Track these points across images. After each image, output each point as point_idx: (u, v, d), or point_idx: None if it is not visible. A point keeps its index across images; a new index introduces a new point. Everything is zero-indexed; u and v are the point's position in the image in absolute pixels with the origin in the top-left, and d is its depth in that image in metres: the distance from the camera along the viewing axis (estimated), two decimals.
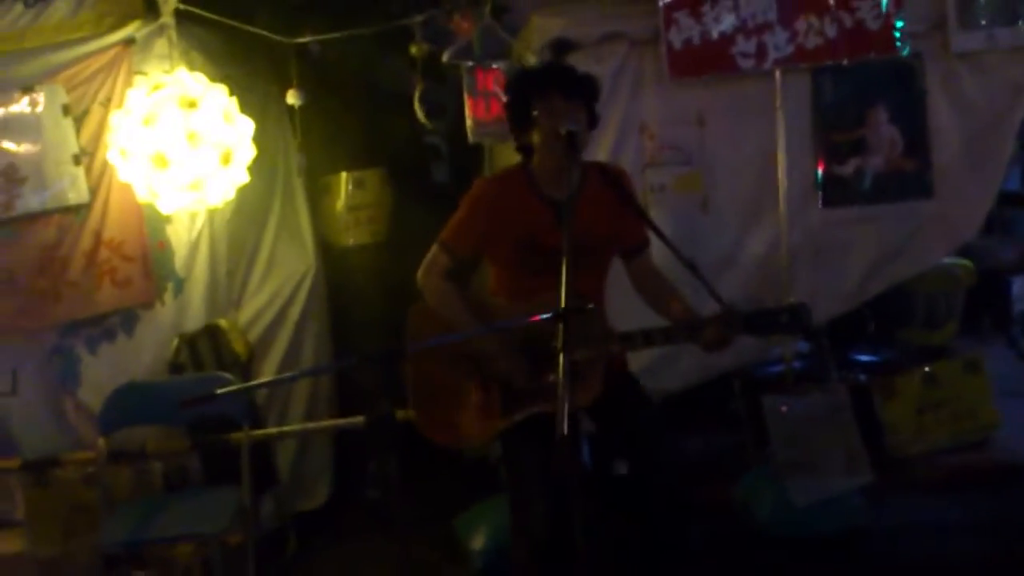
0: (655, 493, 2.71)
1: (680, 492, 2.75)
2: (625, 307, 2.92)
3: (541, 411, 2.61)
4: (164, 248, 3.97)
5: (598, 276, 2.84)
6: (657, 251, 2.84)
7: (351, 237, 4.37)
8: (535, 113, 2.68)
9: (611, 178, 2.79)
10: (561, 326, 2.12)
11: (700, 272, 2.60)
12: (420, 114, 3.82)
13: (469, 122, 3.63)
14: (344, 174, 4.29)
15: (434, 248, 2.83)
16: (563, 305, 2.16)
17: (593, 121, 2.78)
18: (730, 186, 3.84)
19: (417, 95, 3.80)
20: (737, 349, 3.86)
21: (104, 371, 3.89)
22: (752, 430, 4.06)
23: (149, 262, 3.92)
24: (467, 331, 2.73)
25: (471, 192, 2.85)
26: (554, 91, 2.68)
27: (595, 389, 2.60)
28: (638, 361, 3.20)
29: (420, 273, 2.83)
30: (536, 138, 2.72)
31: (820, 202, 3.86)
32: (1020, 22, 3.66)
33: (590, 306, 2.38)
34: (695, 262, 2.62)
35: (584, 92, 2.74)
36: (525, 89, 2.75)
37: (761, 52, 3.66)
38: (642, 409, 2.86)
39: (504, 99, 2.87)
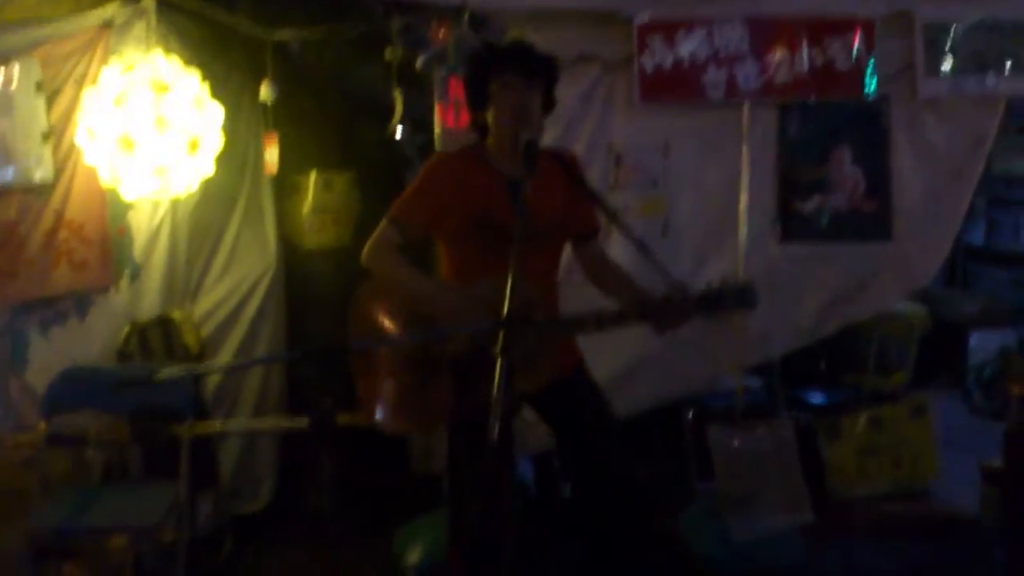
0: (615, 494, 2.74)
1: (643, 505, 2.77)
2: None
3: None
4: (124, 234, 3.95)
5: (550, 260, 2.84)
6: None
7: (315, 239, 4.36)
8: (492, 89, 2.69)
9: (564, 163, 2.80)
10: (502, 332, 2.12)
11: (650, 252, 2.63)
12: (393, 120, 3.83)
13: (438, 130, 3.64)
14: (313, 174, 4.28)
15: (382, 224, 2.79)
16: (506, 311, 2.15)
17: (549, 103, 2.79)
18: (692, 213, 3.86)
19: (393, 102, 3.81)
20: (686, 379, 4.00)
21: (53, 354, 3.83)
22: (698, 461, 4.07)
23: (108, 247, 3.90)
24: (424, 289, 2.69)
25: (425, 166, 2.84)
26: (512, 69, 2.69)
27: (544, 375, 2.59)
28: None
29: (366, 251, 2.79)
30: (491, 116, 2.72)
31: (779, 236, 3.88)
32: (987, 72, 3.72)
33: (536, 303, 2.40)
34: (644, 243, 2.64)
35: (543, 72, 2.74)
36: (484, 66, 2.76)
37: (731, 83, 3.71)
38: (599, 414, 2.85)
39: (465, 77, 2.87)
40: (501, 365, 2.08)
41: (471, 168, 2.77)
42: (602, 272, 2.91)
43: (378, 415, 2.80)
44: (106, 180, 3.63)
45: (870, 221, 3.87)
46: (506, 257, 2.21)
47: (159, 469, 3.67)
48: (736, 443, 3.95)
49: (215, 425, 3.97)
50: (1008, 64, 3.69)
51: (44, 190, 3.77)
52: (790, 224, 3.88)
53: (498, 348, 2.10)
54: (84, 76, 3.74)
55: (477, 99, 2.77)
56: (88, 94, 3.59)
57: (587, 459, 2.86)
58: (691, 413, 4.16)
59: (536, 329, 2.55)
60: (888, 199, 3.85)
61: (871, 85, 3.72)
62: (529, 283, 2.42)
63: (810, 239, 3.89)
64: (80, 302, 3.92)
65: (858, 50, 3.69)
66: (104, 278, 3.92)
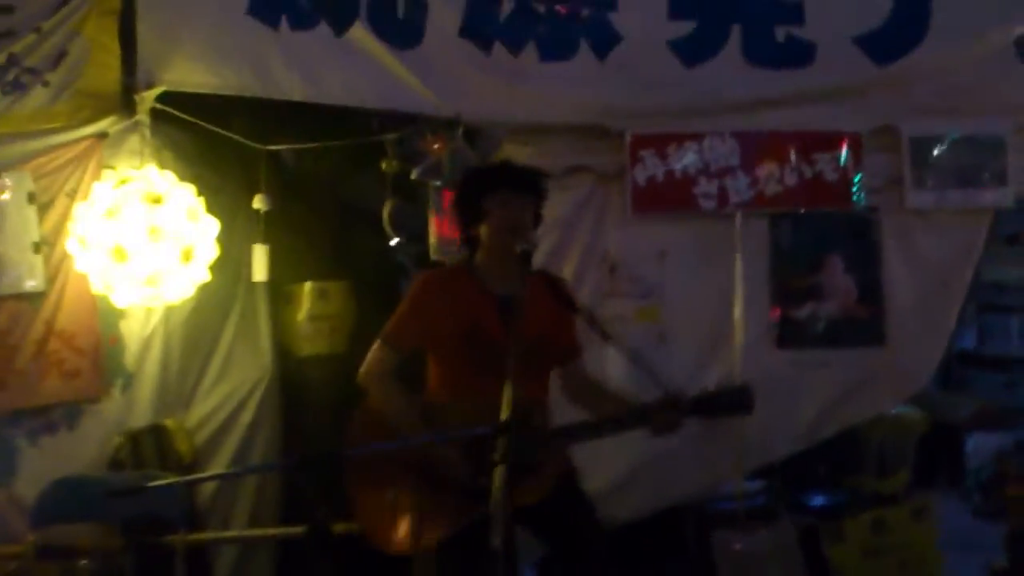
0: None
1: None
2: None
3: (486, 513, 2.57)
4: (116, 344, 3.93)
5: (542, 378, 2.87)
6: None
7: (311, 347, 4.35)
8: (486, 206, 2.76)
9: (552, 284, 2.85)
10: (502, 439, 2.16)
11: (642, 359, 2.69)
12: (388, 230, 3.86)
13: (433, 239, 3.69)
14: (308, 284, 4.30)
15: (376, 344, 2.84)
16: (504, 417, 2.20)
17: (538, 219, 2.87)
18: (688, 321, 3.89)
19: (387, 212, 3.85)
20: (687, 484, 3.97)
21: (43, 464, 3.78)
22: (701, 565, 4.04)
23: (99, 356, 3.87)
24: (410, 433, 2.72)
25: (413, 286, 2.92)
26: (509, 186, 2.78)
27: (545, 486, 2.60)
28: (589, 488, 3.15)
29: (363, 371, 2.84)
30: (484, 231, 2.78)
31: (775, 343, 3.90)
32: (970, 185, 3.78)
33: (534, 411, 2.40)
34: (638, 352, 2.72)
35: (534, 189, 2.83)
36: (477, 183, 2.85)
37: (722, 195, 3.77)
38: (588, 523, 2.85)
39: (456, 195, 2.97)
40: (501, 472, 2.12)
41: (460, 285, 2.82)
42: (584, 391, 2.95)
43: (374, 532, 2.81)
44: (98, 288, 3.62)
45: (864, 327, 3.89)
46: (495, 374, 2.27)
47: None
48: (739, 546, 3.96)
49: (209, 534, 3.90)
50: (987, 177, 3.76)
51: (35, 299, 3.76)
52: (785, 331, 3.90)
53: (498, 455, 2.14)
54: (77, 188, 3.75)
55: (470, 214, 2.83)
56: (80, 207, 3.60)
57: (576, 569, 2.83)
58: (691, 517, 4.13)
59: (535, 436, 2.56)
60: (881, 306, 3.89)
61: (859, 196, 3.78)
62: (523, 396, 2.41)
63: (805, 345, 3.91)
64: (71, 412, 3.88)
65: (846, 163, 3.77)
66: (95, 388, 3.88)
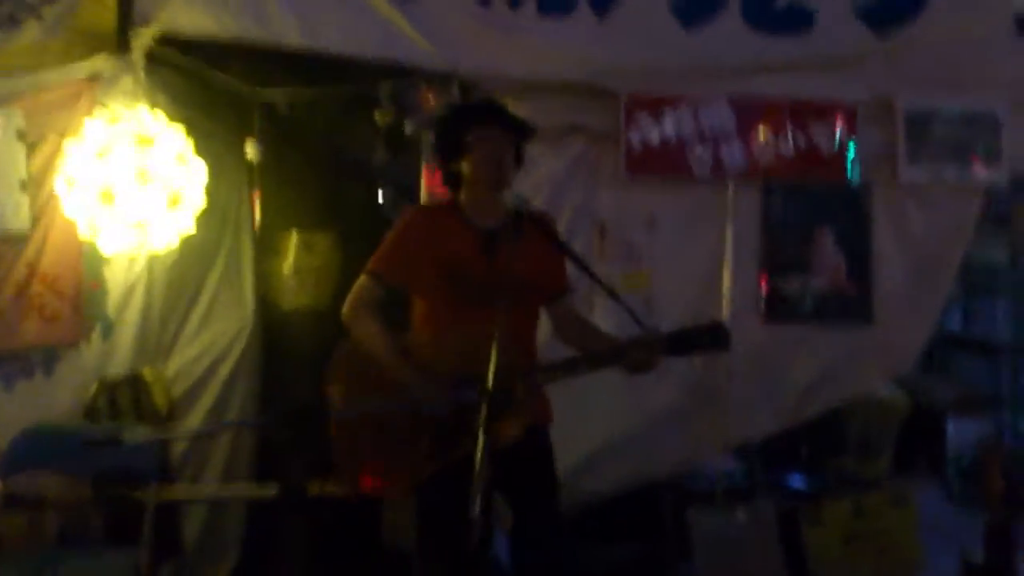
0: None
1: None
2: None
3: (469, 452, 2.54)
4: (98, 288, 3.88)
5: (526, 316, 2.84)
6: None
7: (294, 300, 4.32)
8: (467, 140, 2.74)
9: (537, 222, 2.82)
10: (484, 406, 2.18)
11: (619, 297, 2.65)
12: (380, 182, 3.84)
13: (425, 194, 3.66)
14: (294, 234, 4.26)
15: (361, 278, 2.80)
16: (489, 384, 2.21)
17: (519, 159, 2.86)
18: (676, 289, 3.85)
19: (379, 164, 3.82)
20: (668, 459, 3.95)
21: (17, 410, 3.73)
22: (677, 542, 4.02)
23: (80, 301, 3.82)
24: (392, 369, 2.69)
25: (400, 219, 2.88)
26: (490, 121, 2.76)
27: (519, 427, 2.58)
28: (568, 460, 3.17)
29: (346, 307, 2.80)
30: (466, 166, 2.77)
31: (762, 317, 3.87)
32: (964, 161, 3.78)
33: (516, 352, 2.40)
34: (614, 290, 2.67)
35: (517, 127, 2.82)
36: (459, 117, 2.83)
37: (716, 161, 3.75)
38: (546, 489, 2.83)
39: (436, 134, 2.95)
40: (483, 441, 2.13)
41: (445, 222, 2.82)
42: (572, 328, 2.94)
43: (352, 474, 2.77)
44: (84, 233, 3.57)
45: (852, 304, 3.87)
46: (478, 311, 2.29)
47: (120, 534, 3.54)
48: (715, 525, 3.94)
49: (181, 491, 3.86)
50: (982, 155, 3.76)
51: (19, 240, 3.72)
52: (773, 304, 3.88)
53: (480, 422, 2.15)
54: (67, 128, 3.70)
55: (451, 149, 2.82)
56: (70, 145, 3.56)
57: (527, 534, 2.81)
58: (668, 494, 4.11)
59: (512, 373, 2.52)
60: (869, 283, 3.86)
61: (854, 170, 3.77)
62: (509, 347, 2.40)
63: (792, 320, 3.88)
64: (48, 357, 3.83)
65: (840, 134, 3.76)
66: (75, 333, 3.83)
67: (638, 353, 2.62)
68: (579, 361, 2.70)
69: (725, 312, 3.80)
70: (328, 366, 2.84)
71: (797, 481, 4.48)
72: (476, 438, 2.20)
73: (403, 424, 2.68)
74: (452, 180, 2.85)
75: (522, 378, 2.59)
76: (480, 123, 2.76)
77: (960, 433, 5.46)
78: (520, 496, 2.75)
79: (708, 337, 2.67)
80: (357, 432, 2.75)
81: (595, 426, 3.73)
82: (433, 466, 2.65)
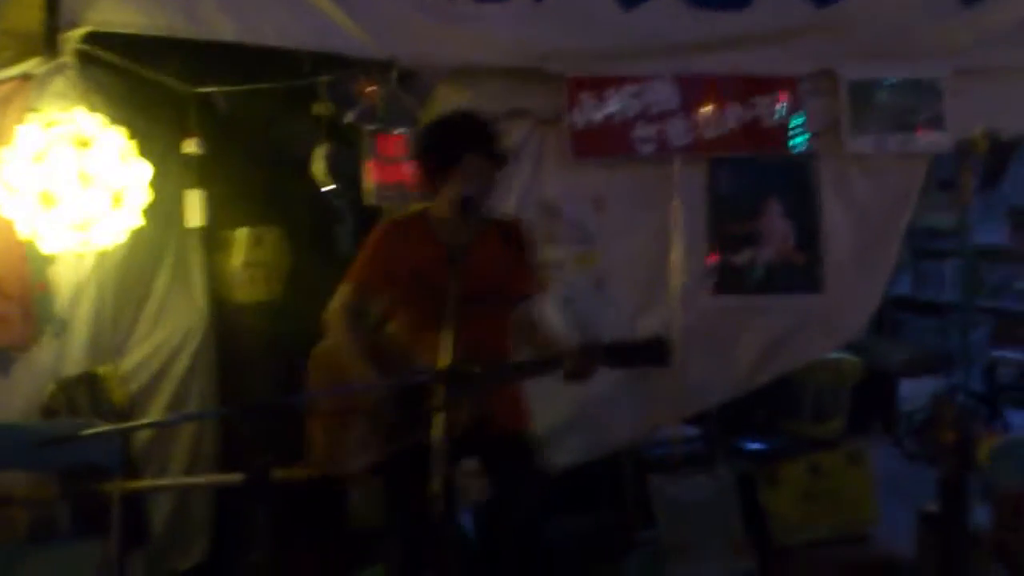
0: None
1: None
2: None
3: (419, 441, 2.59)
4: (44, 290, 3.83)
5: (492, 325, 2.89)
6: None
7: (246, 294, 4.31)
8: (464, 161, 2.80)
9: (506, 232, 2.92)
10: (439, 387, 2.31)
11: (572, 308, 2.88)
12: (320, 176, 3.81)
13: (369, 185, 3.64)
14: (244, 229, 4.25)
15: (341, 287, 2.93)
16: (440, 366, 2.34)
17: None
18: (626, 266, 3.89)
19: (320, 157, 3.79)
20: (626, 429, 4.00)
21: None
22: (638, 510, 4.10)
23: (28, 303, 3.77)
24: (354, 366, 2.82)
25: (373, 231, 3.00)
26: (487, 151, 2.84)
27: (456, 426, 2.58)
28: None
29: (327, 311, 2.92)
30: (450, 184, 2.82)
31: (713, 289, 3.92)
32: (908, 130, 3.80)
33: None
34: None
35: (501, 156, 2.91)
36: (461, 137, 2.86)
37: (661, 139, 3.76)
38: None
39: (428, 140, 2.98)
40: (438, 420, 2.25)
41: (415, 232, 2.92)
42: (530, 332, 2.99)
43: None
44: (24, 233, 3.53)
45: (800, 274, 3.92)
46: (441, 320, 2.38)
47: (88, 527, 3.58)
48: (676, 492, 4.02)
49: (146, 482, 3.87)
50: (925, 122, 3.78)
51: None
52: (723, 277, 3.92)
53: (435, 402, 2.29)
54: (1, 132, 3.63)
55: (442, 165, 2.85)
56: (5, 151, 3.50)
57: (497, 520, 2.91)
58: (629, 462, 4.16)
59: (470, 383, 2.61)
60: (818, 252, 3.91)
61: (798, 141, 3.78)
62: (472, 349, 2.50)
63: (742, 291, 3.93)
64: (1, 358, 3.79)
65: (784, 107, 3.77)
66: (25, 335, 3.78)
67: (575, 362, 2.66)
68: (517, 367, 2.82)
69: (675, 286, 3.84)
70: (308, 360, 3.01)
71: (754, 444, 4.55)
72: (429, 422, 2.29)
73: (369, 409, 2.80)
74: (433, 188, 2.90)
75: (475, 376, 2.64)
76: (477, 150, 2.81)
77: (912, 392, 5.58)
78: (496, 476, 2.84)
79: (648, 352, 2.70)
80: (329, 417, 2.90)
81: (555, 400, 3.75)
82: (395, 447, 2.76)
